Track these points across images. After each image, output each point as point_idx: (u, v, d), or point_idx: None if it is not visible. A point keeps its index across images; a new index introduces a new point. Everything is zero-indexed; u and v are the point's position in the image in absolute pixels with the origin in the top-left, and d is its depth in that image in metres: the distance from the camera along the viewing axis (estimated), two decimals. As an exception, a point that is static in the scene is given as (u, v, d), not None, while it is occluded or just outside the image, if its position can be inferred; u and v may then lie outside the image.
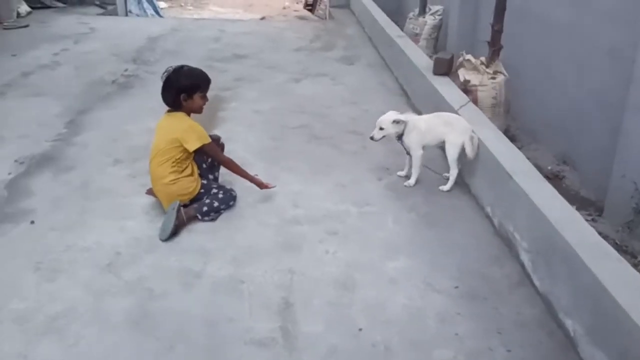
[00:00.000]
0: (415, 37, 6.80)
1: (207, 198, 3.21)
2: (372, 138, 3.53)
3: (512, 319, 2.48)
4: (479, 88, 4.43)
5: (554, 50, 4.32)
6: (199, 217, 3.16)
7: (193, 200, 3.21)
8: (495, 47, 4.44)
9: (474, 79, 4.46)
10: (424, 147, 3.57)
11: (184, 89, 3.11)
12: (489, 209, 3.26)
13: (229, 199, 3.28)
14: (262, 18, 10.41)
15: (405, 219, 3.27)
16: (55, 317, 2.44)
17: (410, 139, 3.56)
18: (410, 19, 7.23)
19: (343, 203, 3.42)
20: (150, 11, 9.90)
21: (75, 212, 3.27)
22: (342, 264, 2.85)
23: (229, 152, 3.66)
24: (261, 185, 3.33)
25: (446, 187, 3.55)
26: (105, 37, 7.51)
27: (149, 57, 6.61)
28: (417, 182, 3.62)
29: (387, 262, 2.86)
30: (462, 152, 3.46)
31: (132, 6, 9.74)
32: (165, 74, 3.12)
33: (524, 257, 2.78)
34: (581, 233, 2.48)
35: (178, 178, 3.13)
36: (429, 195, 3.53)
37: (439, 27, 6.95)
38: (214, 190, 3.26)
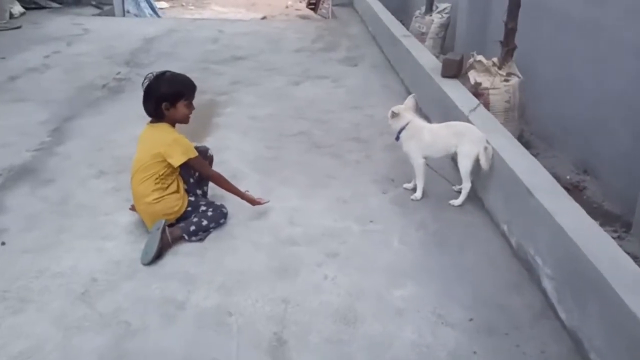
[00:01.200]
0: (421, 37, 6.49)
1: (194, 216, 2.93)
2: None
3: (536, 358, 2.18)
4: (491, 91, 4.12)
5: (573, 49, 4.00)
6: (186, 237, 2.88)
7: (180, 219, 2.93)
8: (508, 47, 4.12)
9: (485, 81, 4.15)
10: (426, 157, 3.28)
11: (166, 97, 2.81)
12: (505, 227, 2.95)
13: (219, 217, 2.99)
14: (263, 17, 10.15)
15: (413, 238, 2.97)
16: (17, 357, 2.16)
17: (409, 147, 3.28)
18: (416, 17, 6.93)
19: (344, 220, 3.12)
20: (148, 10, 9.62)
21: (52, 231, 2.99)
22: (343, 291, 2.55)
23: (222, 161, 3.38)
24: (253, 202, 3.04)
25: (457, 202, 3.24)
26: (99, 38, 7.25)
27: (143, 59, 6.33)
28: (424, 194, 3.33)
29: (392, 289, 2.56)
30: (476, 164, 3.15)
31: (130, 6, 9.47)
32: (146, 81, 2.83)
33: (547, 285, 2.48)
34: (614, 260, 2.17)
35: (162, 196, 2.85)
36: (438, 210, 3.23)
37: (446, 26, 6.65)
38: (203, 208, 2.97)
